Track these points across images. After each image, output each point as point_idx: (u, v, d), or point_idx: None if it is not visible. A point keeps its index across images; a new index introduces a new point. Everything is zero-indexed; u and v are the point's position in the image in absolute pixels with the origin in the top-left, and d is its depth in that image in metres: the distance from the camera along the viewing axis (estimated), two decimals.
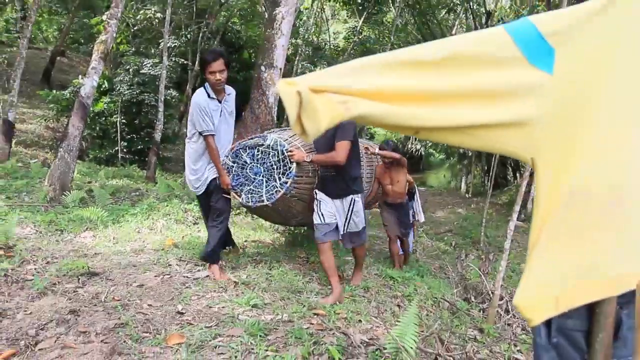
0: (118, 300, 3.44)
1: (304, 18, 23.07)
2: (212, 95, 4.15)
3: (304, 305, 3.67)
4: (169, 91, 15.02)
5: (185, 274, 4.20)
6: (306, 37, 21.68)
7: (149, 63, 14.82)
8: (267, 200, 4.17)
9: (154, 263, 4.41)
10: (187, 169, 4.36)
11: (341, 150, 3.96)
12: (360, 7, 19.92)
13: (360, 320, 3.60)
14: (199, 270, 4.34)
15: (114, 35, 8.70)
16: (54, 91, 17.18)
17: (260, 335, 3.01)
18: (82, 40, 23.53)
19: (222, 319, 3.27)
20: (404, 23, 21.09)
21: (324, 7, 23.99)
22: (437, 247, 9.28)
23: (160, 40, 14.62)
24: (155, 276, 4.06)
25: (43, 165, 10.06)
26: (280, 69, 7.09)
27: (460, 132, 1.15)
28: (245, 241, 5.78)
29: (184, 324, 3.15)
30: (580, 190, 1.20)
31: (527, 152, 1.20)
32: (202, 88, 4.18)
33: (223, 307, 3.51)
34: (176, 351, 2.74)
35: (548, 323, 1.33)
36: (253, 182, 4.26)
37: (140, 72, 14.75)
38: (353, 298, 4.13)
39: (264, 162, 4.24)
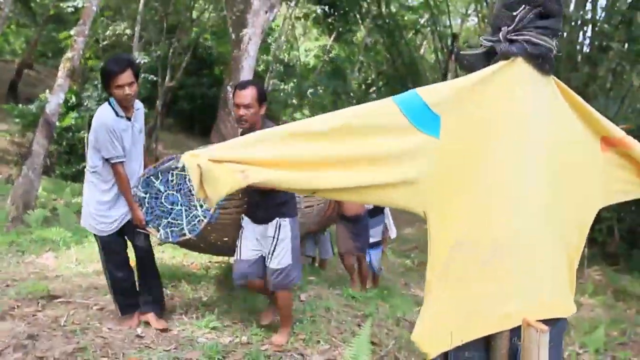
0: (78, 324, 3.48)
1: (275, 35, 23.30)
2: (121, 113, 3.44)
3: (261, 327, 3.75)
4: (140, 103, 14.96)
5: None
6: (277, 54, 21.87)
7: None
8: (190, 233, 3.54)
9: None
10: (88, 206, 3.61)
11: None
12: (331, 26, 20.21)
13: (319, 341, 3.69)
14: None
15: (81, 52, 8.71)
16: (20, 105, 16.93)
17: (218, 358, 3.08)
18: (50, 54, 23.31)
19: (181, 342, 3.34)
20: (373, 42, 21.49)
21: (295, 25, 24.26)
22: (403, 265, 9.45)
23: (131, 56, 14.59)
24: None
25: (7, 182, 9.94)
26: None
27: (354, 192, 1.28)
28: (209, 261, 5.83)
29: (142, 348, 3.21)
30: (465, 241, 1.35)
31: (418, 206, 1.34)
32: (106, 105, 3.48)
33: (183, 330, 3.57)
34: None
35: (445, 355, 1.45)
36: (171, 213, 3.62)
37: None
38: (313, 318, 4.21)
39: (180, 189, 3.61)
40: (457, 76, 1.63)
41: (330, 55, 21.87)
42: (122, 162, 3.47)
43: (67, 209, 7.20)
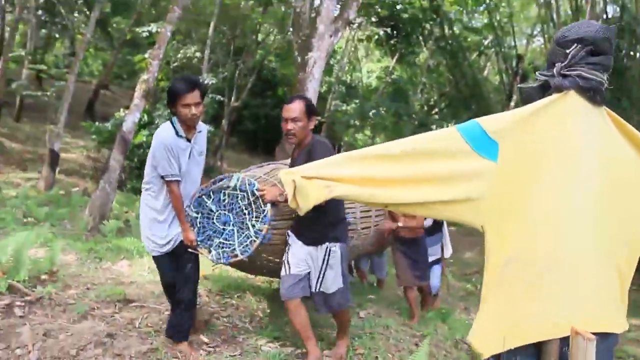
0: (151, 326, 3.73)
1: (338, 57, 23.67)
2: (181, 132, 3.41)
3: (322, 339, 3.87)
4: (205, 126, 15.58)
5: (213, 305, 4.45)
6: (340, 75, 22.21)
7: None
8: (242, 254, 3.42)
9: None
10: (145, 225, 3.56)
11: None
12: (393, 48, 20.37)
13: (376, 357, 3.77)
14: (226, 302, 4.58)
15: (156, 74, 9.22)
16: (97, 123, 17.98)
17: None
18: (125, 76, 24.59)
19: (246, 349, 3.51)
20: (436, 64, 21.47)
21: (358, 47, 24.57)
22: (463, 288, 9.33)
23: (198, 77, 15.27)
24: None
25: (83, 194, 10.58)
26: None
27: (421, 206, 1.46)
28: None
29: (210, 352, 3.39)
30: (517, 258, 1.49)
31: (477, 221, 1.49)
32: (168, 123, 3.47)
33: (247, 338, 3.74)
34: None
35: (497, 357, 1.58)
36: (222, 233, 3.52)
37: None
38: (372, 335, 4.29)
39: (232, 208, 3.53)
40: (521, 97, 1.74)
41: (393, 76, 22.00)
42: (177, 181, 3.41)
43: (137, 221, 7.59)
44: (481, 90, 18.69)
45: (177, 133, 3.40)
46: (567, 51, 1.54)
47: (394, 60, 21.11)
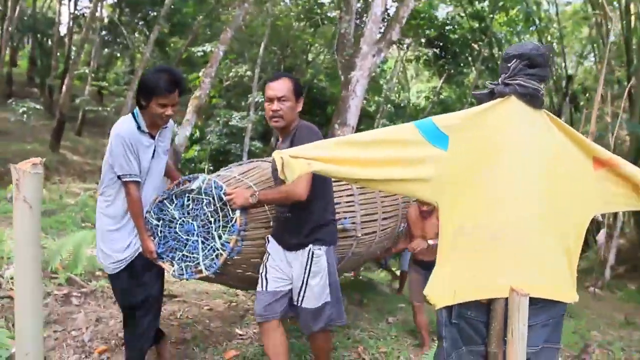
0: (190, 318, 4.08)
1: (387, 77, 23.96)
2: (144, 127, 2.91)
3: (349, 338, 4.10)
4: (253, 142, 16.15)
5: (249, 303, 4.75)
6: (388, 95, 22.47)
7: (237, 116, 16.07)
8: (207, 269, 2.88)
9: (223, 292, 5.00)
10: (100, 237, 3.00)
11: (299, 180, 2.30)
12: (441, 68, 20.50)
13: (398, 357, 3.96)
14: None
15: (207, 91, 9.77)
16: None
17: (306, 358, 3.48)
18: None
19: None
20: (484, 85, 21.40)
21: (407, 67, 24.81)
22: None
23: (249, 95, 15.86)
24: (224, 303, 4.67)
25: None
26: (353, 127, 7.71)
27: (383, 183, 1.81)
28: None
29: (242, 344, 3.69)
30: (466, 226, 1.82)
31: (431, 198, 1.85)
32: (129, 116, 2.95)
33: None
34: None
35: (450, 310, 1.90)
36: (186, 244, 2.97)
37: (229, 123, 16.02)
38: (397, 337, 4.47)
39: (197, 215, 2.98)
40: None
41: (441, 96, 22.10)
42: (136, 182, 2.90)
43: None
44: None
45: (139, 127, 2.90)
46: (509, 65, 1.92)
47: (442, 80, 21.21)
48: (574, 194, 1.93)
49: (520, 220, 1.81)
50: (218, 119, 16.48)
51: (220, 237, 2.87)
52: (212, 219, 2.91)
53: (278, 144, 3.03)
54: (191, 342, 3.60)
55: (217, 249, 2.87)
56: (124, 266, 2.94)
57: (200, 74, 13.80)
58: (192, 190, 2.98)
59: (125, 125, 2.88)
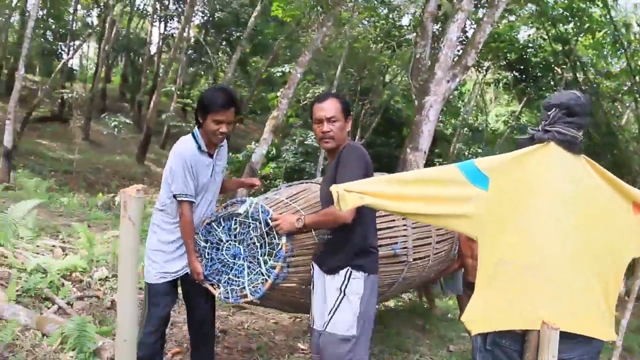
0: (257, 329, 4.33)
1: (465, 100, 23.65)
2: (204, 147, 2.98)
3: None
4: (326, 162, 16.42)
5: None
6: (466, 118, 22.16)
7: (312, 135, 16.39)
8: (252, 295, 2.86)
9: None
10: (153, 247, 3.05)
11: None
12: (521, 92, 20.01)
13: None
14: None
15: (285, 111, 10.08)
16: (230, 154, 19.60)
17: None
18: (259, 111, 26.45)
19: None
20: None
21: (485, 90, 24.37)
22: None
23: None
24: (289, 317, 4.84)
25: None
26: (425, 151, 7.74)
27: (429, 217, 1.98)
28: None
29: (303, 357, 3.86)
30: (506, 260, 1.95)
31: (473, 233, 1.99)
32: (189, 136, 3.02)
33: None
34: None
35: (485, 337, 2.06)
36: (232, 268, 2.98)
37: (305, 142, 16.38)
38: None
39: (243, 239, 2.97)
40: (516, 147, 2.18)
41: (519, 122, 21.52)
42: (190, 203, 2.94)
43: None
44: (617, 139, 17.63)
45: (199, 147, 2.97)
46: (549, 113, 2.05)
47: (522, 104, 20.68)
48: (613, 236, 2.03)
49: (557, 259, 1.92)
50: (294, 137, 16.89)
51: (266, 263, 2.84)
52: (259, 244, 2.89)
53: (326, 163, 3.05)
54: (256, 352, 3.85)
55: (263, 274, 2.84)
56: (168, 279, 2.99)
57: (279, 94, 14.27)
58: (239, 214, 2.95)
59: (186, 146, 2.95)
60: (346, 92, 18.86)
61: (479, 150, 20.30)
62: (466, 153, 20.55)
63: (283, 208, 2.99)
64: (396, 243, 3.54)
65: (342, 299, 2.66)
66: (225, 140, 3.08)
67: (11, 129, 10.57)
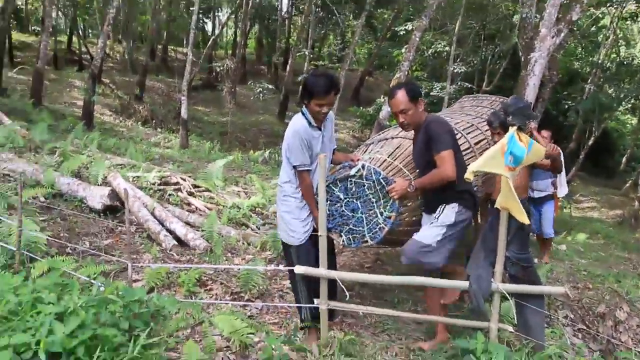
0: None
1: (602, 35, 22.53)
2: (313, 122, 3.48)
3: None
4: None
5: None
6: (609, 53, 21.14)
7: (438, 86, 17.37)
8: (372, 240, 3.59)
9: None
10: (286, 218, 3.62)
11: (446, 163, 3.28)
12: None
13: None
14: None
15: (406, 72, 11.31)
16: (361, 107, 21.24)
17: None
18: (386, 67, 27.45)
19: None
20: None
21: (629, 24, 23.00)
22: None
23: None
24: None
25: None
26: (531, 103, 8.68)
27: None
28: None
29: None
30: None
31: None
32: (300, 115, 3.52)
33: None
34: None
35: None
36: (352, 219, 3.67)
37: (430, 94, 17.40)
38: None
39: (360, 196, 3.62)
40: None
41: None
42: (308, 171, 3.50)
43: None
44: None
45: (309, 124, 3.47)
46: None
47: None
48: None
49: None
50: (421, 89, 17.86)
51: (382, 214, 3.53)
52: (374, 199, 3.55)
53: (414, 140, 3.66)
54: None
55: (380, 223, 3.54)
56: (306, 238, 3.58)
57: (403, 50, 15.33)
58: (353, 175, 3.60)
59: (299, 123, 3.45)
60: (469, 41, 19.29)
61: (627, 87, 19.25)
62: (610, 91, 19.46)
63: (388, 167, 3.68)
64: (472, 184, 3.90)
65: (434, 220, 3.47)
66: (331, 113, 3.58)
67: (186, 103, 12.90)
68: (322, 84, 3.30)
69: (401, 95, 3.39)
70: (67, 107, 15.79)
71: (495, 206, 3.17)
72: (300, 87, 3.76)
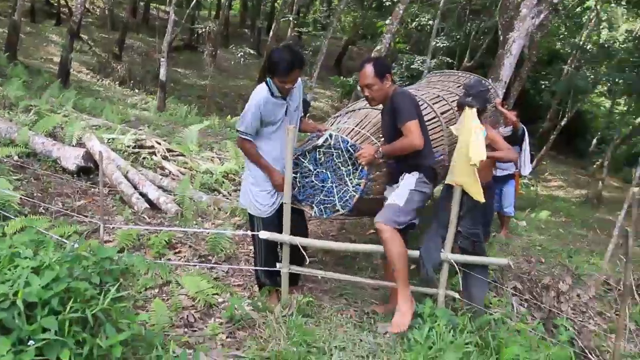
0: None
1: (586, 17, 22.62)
2: (277, 93, 3.48)
3: None
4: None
5: None
6: (589, 36, 21.25)
7: (419, 60, 17.44)
8: (343, 209, 3.61)
9: None
10: (253, 190, 3.65)
11: (412, 132, 3.30)
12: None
13: None
14: None
15: (388, 44, 11.37)
16: (342, 77, 21.26)
17: None
18: (370, 37, 27.36)
19: None
20: None
21: (613, 7, 23.12)
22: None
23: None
24: None
25: None
26: (505, 82, 8.83)
27: None
28: None
29: None
30: None
31: None
32: (264, 85, 3.50)
33: None
34: None
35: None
36: (322, 190, 3.68)
37: (411, 67, 17.49)
38: None
39: (329, 166, 3.64)
40: None
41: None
42: (249, 141, 3.52)
43: None
44: None
45: (272, 94, 3.47)
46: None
47: None
48: None
49: None
50: (401, 62, 18.00)
51: (352, 182, 3.57)
52: (343, 168, 3.59)
53: (382, 112, 3.70)
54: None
55: (350, 191, 3.58)
56: (273, 211, 3.66)
57: (387, 22, 15.31)
58: (321, 145, 3.61)
59: (262, 94, 3.45)
60: (455, 15, 19.27)
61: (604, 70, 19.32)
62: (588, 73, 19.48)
63: (355, 136, 3.70)
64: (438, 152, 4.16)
65: (399, 184, 3.52)
66: (299, 83, 3.60)
67: (165, 65, 12.77)
68: (284, 63, 3.31)
69: (369, 69, 3.42)
70: (43, 62, 15.49)
71: (446, 182, 3.42)
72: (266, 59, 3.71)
